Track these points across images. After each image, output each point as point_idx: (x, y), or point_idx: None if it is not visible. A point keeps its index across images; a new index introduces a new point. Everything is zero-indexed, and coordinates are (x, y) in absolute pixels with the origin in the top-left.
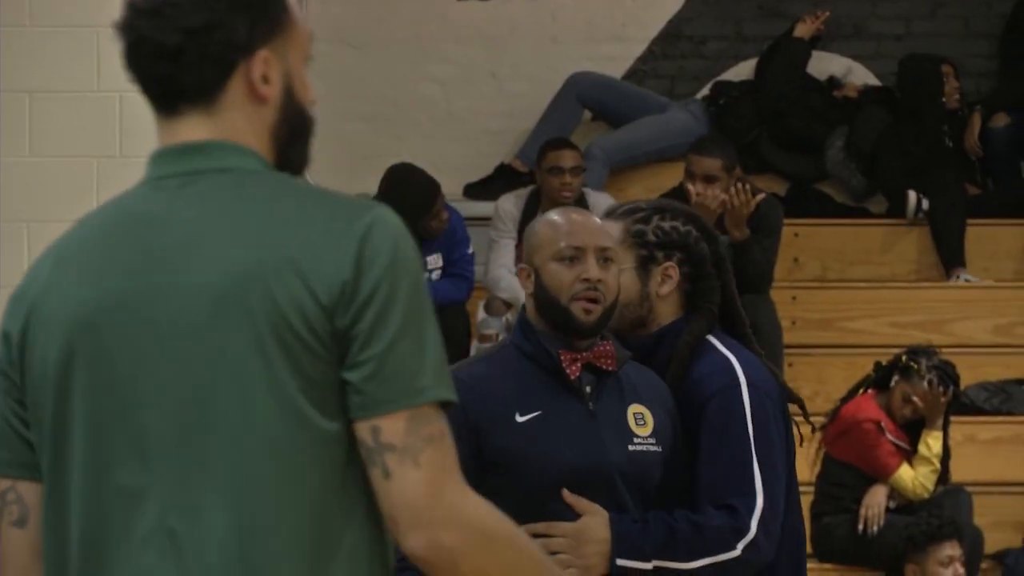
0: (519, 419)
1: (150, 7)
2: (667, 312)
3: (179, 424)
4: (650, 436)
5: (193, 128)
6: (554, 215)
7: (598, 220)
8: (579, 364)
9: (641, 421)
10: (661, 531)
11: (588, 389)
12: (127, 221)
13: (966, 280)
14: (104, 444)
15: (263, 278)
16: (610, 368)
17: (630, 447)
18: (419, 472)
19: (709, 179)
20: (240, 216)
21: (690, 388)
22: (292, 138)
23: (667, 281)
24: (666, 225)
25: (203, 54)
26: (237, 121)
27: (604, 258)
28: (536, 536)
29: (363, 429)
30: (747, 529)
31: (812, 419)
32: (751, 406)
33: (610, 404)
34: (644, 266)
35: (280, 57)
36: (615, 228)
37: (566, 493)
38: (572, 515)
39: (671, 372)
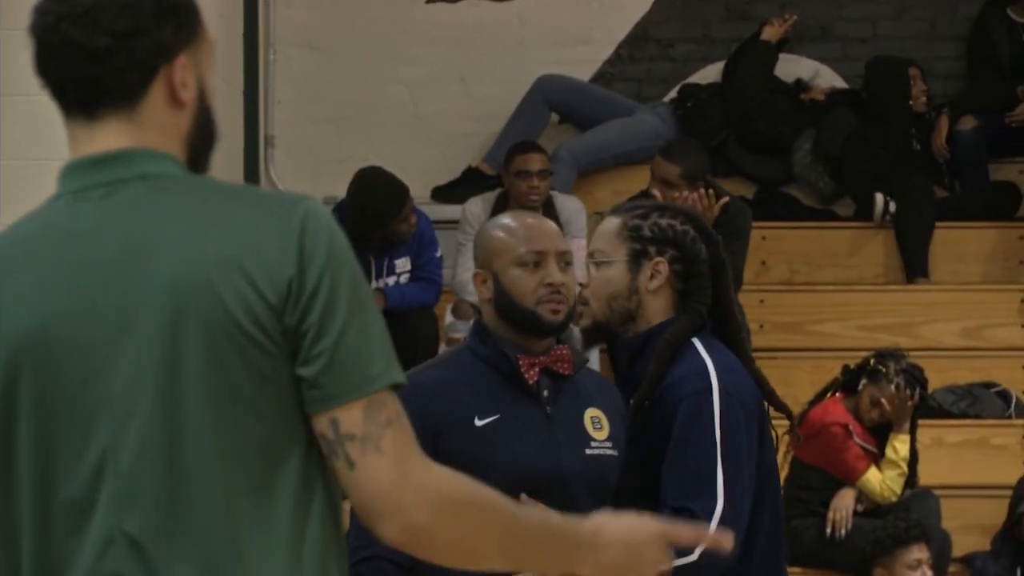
0: (478, 423)
1: (77, 11)
2: (657, 310)
3: (132, 435)
4: (607, 440)
5: (112, 134)
6: (508, 220)
7: (553, 224)
8: (537, 369)
9: (598, 425)
10: None
11: (546, 393)
12: (56, 236)
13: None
14: (52, 459)
15: (207, 281)
16: (567, 372)
17: (587, 451)
18: (382, 458)
19: (666, 184)
20: (172, 222)
21: (664, 390)
22: (203, 143)
23: (656, 276)
24: (663, 222)
25: (131, 58)
26: (156, 126)
27: (565, 262)
28: None
29: (322, 422)
30: None
31: (780, 422)
32: (721, 412)
33: (567, 408)
34: (635, 260)
35: (195, 63)
36: (615, 223)
37: (524, 497)
38: None
39: (649, 371)
